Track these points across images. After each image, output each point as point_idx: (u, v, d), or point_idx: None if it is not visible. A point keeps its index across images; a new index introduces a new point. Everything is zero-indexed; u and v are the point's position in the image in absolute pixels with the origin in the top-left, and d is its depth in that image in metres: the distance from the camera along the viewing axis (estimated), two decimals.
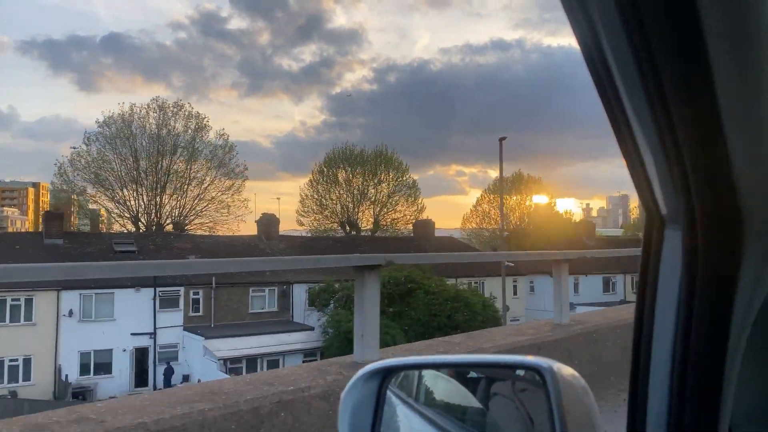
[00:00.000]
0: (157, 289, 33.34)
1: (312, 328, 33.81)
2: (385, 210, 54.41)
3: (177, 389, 3.17)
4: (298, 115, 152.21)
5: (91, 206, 49.03)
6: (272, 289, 36.61)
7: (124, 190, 46.08)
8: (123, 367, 32.53)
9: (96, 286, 31.34)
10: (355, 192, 53.60)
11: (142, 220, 46.67)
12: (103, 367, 32.14)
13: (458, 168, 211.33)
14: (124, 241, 37.53)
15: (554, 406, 0.89)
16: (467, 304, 32.46)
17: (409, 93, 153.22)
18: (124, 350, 32.64)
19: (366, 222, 54.49)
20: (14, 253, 31.40)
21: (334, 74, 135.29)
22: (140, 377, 32.90)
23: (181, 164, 47.15)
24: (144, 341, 33.28)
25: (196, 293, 34.74)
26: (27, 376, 30.45)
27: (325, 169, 53.85)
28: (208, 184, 48.47)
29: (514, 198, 59.55)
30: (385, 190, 54.21)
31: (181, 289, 34.10)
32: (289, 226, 56.53)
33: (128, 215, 46.60)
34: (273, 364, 30.72)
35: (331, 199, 53.61)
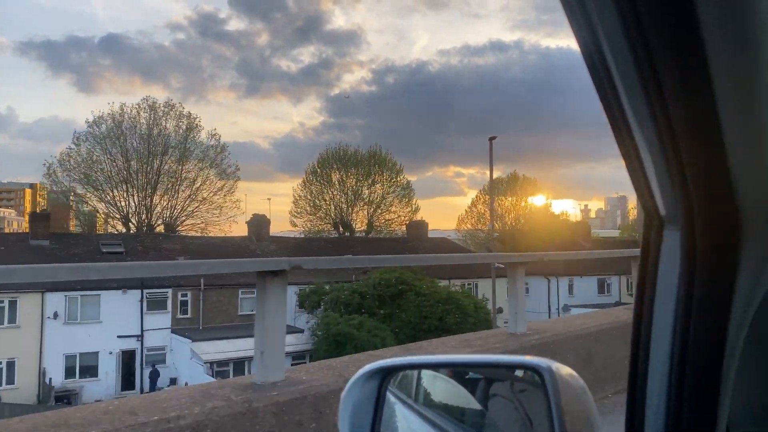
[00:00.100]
0: (145, 290, 32.86)
1: (302, 331, 33.36)
2: (379, 211, 53.96)
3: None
4: (296, 117, 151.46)
5: (85, 207, 48.54)
6: None
7: (115, 190, 45.58)
8: (109, 370, 32.06)
9: (82, 288, 30.89)
10: (349, 193, 53.13)
11: (133, 221, 46.15)
12: (89, 370, 31.66)
13: (456, 169, 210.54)
14: (112, 242, 37.01)
15: (553, 406, 0.89)
16: (459, 306, 32.02)
17: (408, 94, 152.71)
18: (111, 353, 32.14)
19: (360, 223, 54.03)
20: None
21: (332, 75, 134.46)
22: (127, 380, 32.42)
23: (172, 164, 46.65)
24: (131, 344, 32.81)
25: (185, 295, 34.24)
26: (11, 380, 29.94)
27: (318, 170, 53.39)
28: (200, 185, 48.02)
29: (510, 199, 59.10)
30: (379, 191, 53.77)
31: (169, 291, 33.62)
32: (286, 227, 56.07)
33: (118, 216, 46.10)
34: None
35: (325, 200, 53.14)
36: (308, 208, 53.24)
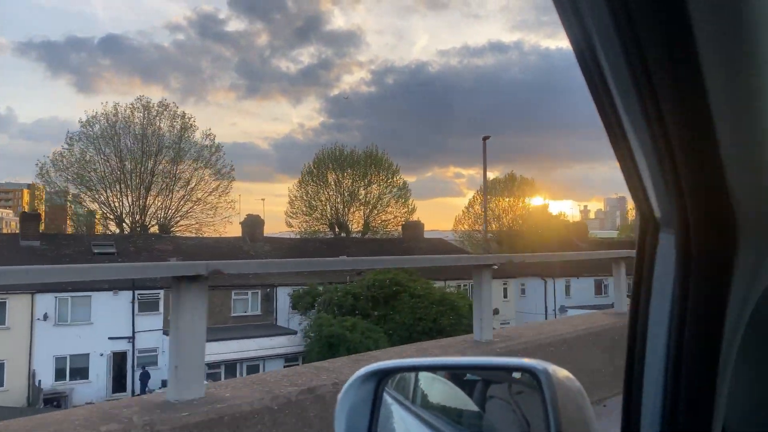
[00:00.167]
0: (136, 292, 32.50)
1: (295, 332, 33.00)
2: (376, 212, 53.60)
3: None
4: (296, 117, 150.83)
5: (80, 209, 48.20)
6: (255, 292, 35.76)
7: (108, 191, 45.23)
8: (100, 372, 31.71)
9: (72, 289, 30.56)
10: (345, 193, 52.78)
11: (127, 221, 45.81)
12: (80, 372, 31.31)
13: (456, 170, 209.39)
14: (103, 242, 36.67)
15: (549, 408, 0.90)
16: (453, 307, 31.72)
17: (407, 95, 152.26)
18: (102, 355, 31.80)
19: (356, 224, 53.69)
20: None
21: (332, 76, 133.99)
22: (118, 382, 32.08)
23: (166, 165, 46.32)
24: (122, 345, 32.47)
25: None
26: (0, 382, 29.61)
27: (314, 170, 53.03)
28: (195, 185, 47.69)
29: (507, 200, 58.76)
30: (375, 192, 53.42)
31: (161, 292, 33.25)
32: (283, 228, 55.69)
33: (112, 217, 45.77)
34: (253, 369, 29.93)
35: (321, 201, 52.78)
36: (304, 209, 52.92)
